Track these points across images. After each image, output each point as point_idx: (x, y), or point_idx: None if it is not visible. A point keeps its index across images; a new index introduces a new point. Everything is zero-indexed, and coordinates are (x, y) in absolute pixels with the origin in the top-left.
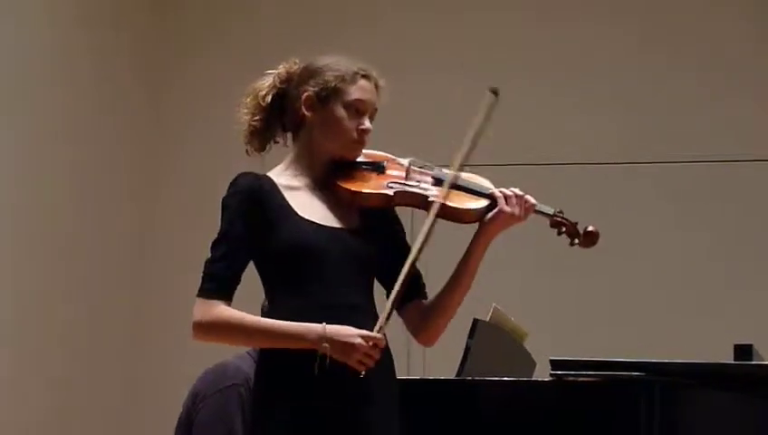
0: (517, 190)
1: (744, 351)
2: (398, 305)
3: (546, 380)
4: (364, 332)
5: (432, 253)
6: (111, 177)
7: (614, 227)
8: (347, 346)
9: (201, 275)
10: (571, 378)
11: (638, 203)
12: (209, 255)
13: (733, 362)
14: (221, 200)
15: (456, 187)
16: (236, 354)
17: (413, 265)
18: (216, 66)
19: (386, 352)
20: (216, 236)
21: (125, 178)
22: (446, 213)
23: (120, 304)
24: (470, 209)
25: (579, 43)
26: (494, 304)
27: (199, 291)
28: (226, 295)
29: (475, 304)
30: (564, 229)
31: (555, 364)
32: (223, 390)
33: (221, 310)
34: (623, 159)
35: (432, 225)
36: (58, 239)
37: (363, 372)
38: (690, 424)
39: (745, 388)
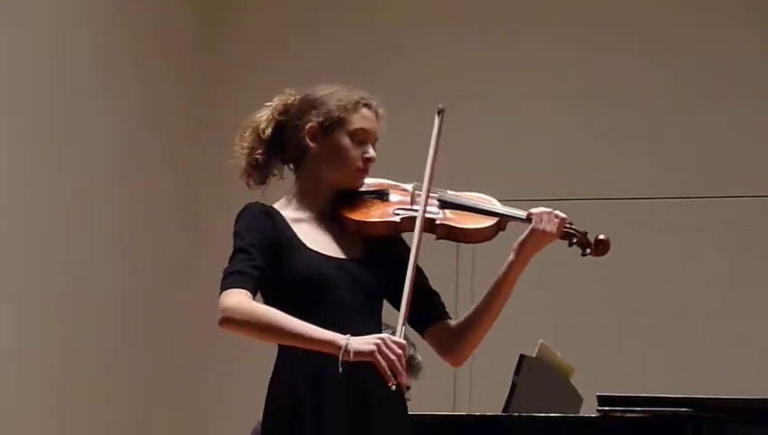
0: (547, 208)
1: None
2: (423, 328)
3: (593, 416)
4: (385, 335)
5: (467, 273)
6: (159, 201)
7: (660, 262)
8: (370, 341)
9: (222, 280)
10: (617, 414)
11: (681, 237)
12: (227, 265)
13: None
14: (233, 230)
15: (464, 207)
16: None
17: (414, 279)
18: (258, 100)
19: (401, 398)
20: (233, 251)
21: (171, 199)
22: (454, 234)
23: (168, 329)
24: (476, 229)
25: (612, 77)
26: (540, 340)
27: (226, 284)
28: (253, 291)
29: (522, 340)
30: (575, 240)
31: (602, 400)
32: None
33: (253, 302)
34: (658, 195)
35: (419, 239)
36: (107, 273)
37: (393, 386)
38: None
39: None
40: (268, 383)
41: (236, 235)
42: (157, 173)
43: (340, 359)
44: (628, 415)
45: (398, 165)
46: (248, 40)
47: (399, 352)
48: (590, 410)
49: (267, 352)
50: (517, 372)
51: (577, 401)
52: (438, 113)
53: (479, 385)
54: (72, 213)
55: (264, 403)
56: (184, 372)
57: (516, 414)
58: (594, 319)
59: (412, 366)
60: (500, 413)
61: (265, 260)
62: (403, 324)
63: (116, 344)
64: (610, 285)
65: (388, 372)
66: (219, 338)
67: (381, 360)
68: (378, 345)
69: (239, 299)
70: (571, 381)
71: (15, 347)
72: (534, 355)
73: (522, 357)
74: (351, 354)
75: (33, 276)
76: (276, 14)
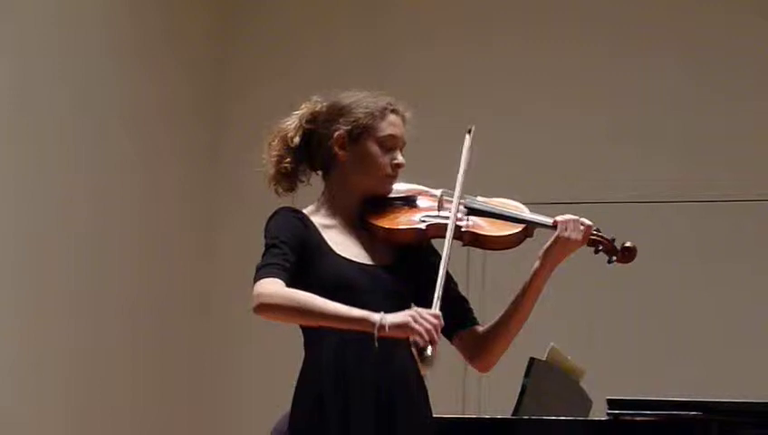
0: (573, 216)
1: None
2: (452, 333)
3: (603, 419)
4: (419, 308)
5: (490, 281)
6: (174, 207)
7: (672, 264)
8: (404, 314)
9: (255, 274)
10: (627, 417)
11: (695, 241)
12: (260, 260)
13: None
14: (264, 230)
15: (490, 214)
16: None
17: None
18: (274, 103)
19: (426, 403)
20: (265, 248)
21: (186, 208)
22: (480, 241)
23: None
24: (502, 236)
25: (641, 77)
26: (551, 343)
27: (259, 276)
28: (287, 281)
29: (532, 342)
30: (602, 247)
31: (612, 404)
32: None
33: (286, 288)
34: (677, 198)
35: (450, 246)
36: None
37: (429, 351)
38: None
39: None
40: (294, 388)
41: (268, 233)
42: (173, 177)
43: (376, 334)
44: (638, 419)
45: (413, 169)
46: (265, 43)
47: (435, 321)
48: (599, 413)
49: (286, 352)
50: (527, 375)
51: (587, 404)
52: (468, 132)
53: (489, 388)
54: (84, 214)
55: (290, 407)
56: (200, 371)
57: (526, 417)
58: (605, 322)
59: (426, 356)
60: (510, 416)
61: (296, 258)
62: (438, 298)
63: (129, 344)
64: (621, 289)
65: (425, 337)
66: (235, 337)
67: (417, 326)
68: (413, 316)
69: (272, 287)
70: (581, 384)
71: (26, 349)
72: (544, 358)
73: (532, 360)
74: (387, 328)
75: (43, 277)
76: (293, 18)
